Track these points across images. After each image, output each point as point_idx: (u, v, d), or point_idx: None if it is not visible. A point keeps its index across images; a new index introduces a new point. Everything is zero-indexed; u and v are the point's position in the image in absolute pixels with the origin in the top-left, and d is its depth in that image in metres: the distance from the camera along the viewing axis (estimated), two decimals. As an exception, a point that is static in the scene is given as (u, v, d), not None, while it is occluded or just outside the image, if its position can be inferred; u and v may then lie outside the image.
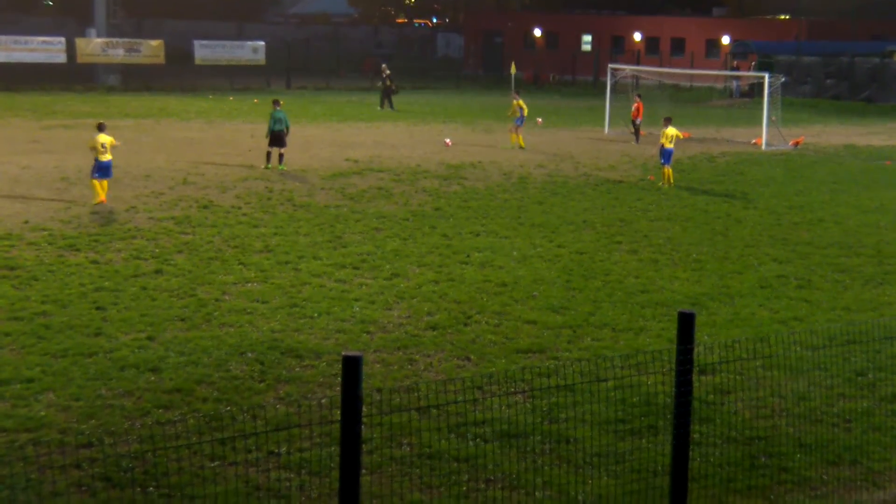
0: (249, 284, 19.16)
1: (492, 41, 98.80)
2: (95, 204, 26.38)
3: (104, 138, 26.85)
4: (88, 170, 27.48)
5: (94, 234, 22.98)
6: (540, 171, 35.19)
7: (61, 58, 70.01)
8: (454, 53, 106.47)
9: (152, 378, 13.87)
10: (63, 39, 70.51)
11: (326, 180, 31.88)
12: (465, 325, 16.95)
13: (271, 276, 19.81)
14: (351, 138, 43.53)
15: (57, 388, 13.30)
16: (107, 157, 26.71)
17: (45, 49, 69.57)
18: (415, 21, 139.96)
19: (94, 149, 26.77)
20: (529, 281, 19.93)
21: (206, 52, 74.87)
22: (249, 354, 14.99)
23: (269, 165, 33.87)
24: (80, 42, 70.33)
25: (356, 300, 18.24)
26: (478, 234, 24.32)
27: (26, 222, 23.91)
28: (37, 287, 18.40)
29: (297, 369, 14.49)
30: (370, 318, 17.12)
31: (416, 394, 13.66)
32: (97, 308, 17.19)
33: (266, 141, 34.49)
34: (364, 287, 19.22)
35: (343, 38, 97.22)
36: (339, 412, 12.65)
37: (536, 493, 10.56)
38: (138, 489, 10.39)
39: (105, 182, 26.74)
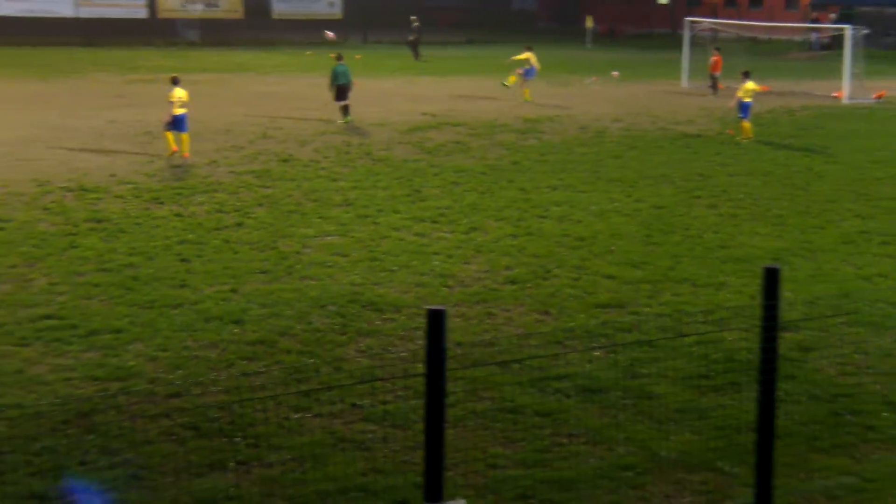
0: (329, 238, 19.32)
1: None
2: (168, 156, 26.74)
3: (179, 92, 27.11)
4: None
5: (177, 187, 23.28)
6: (617, 125, 35.00)
7: (142, 13, 70.66)
8: (528, 6, 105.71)
9: (236, 330, 14.07)
10: (145, -6, 71.07)
11: (404, 134, 31.95)
12: (544, 279, 16.98)
13: (351, 229, 19.96)
14: (427, 92, 43.53)
15: (145, 339, 13.55)
16: (180, 111, 26.96)
17: (127, 4, 70.20)
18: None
19: (171, 102, 27.08)
20: (608, 235, 19.91)
21: (283, 6, 75.13)
22: (330, 307, 15.14)
23: (349, 119, 33.98)
24: (160, -3, 70.86)
25: (435, 254, 18.34)
26: (555, 189, 24.29)
27: (112, 175, 24.26)
28: (124, 239, 18.71)
29: (378, 322, 14.63)
30: (449, 272, 17.21)
31: (496, 348, 13.81)
32: (181, 260, 17.46)
33: (331, 95, 34.60)
34: (442, 241, 19.30)
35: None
36: (419, 366, 12.77)
37: (618, 449, 10.62)
38: (225, 439, 10.58)
39: (184, 135, 27.02)
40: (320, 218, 20.81)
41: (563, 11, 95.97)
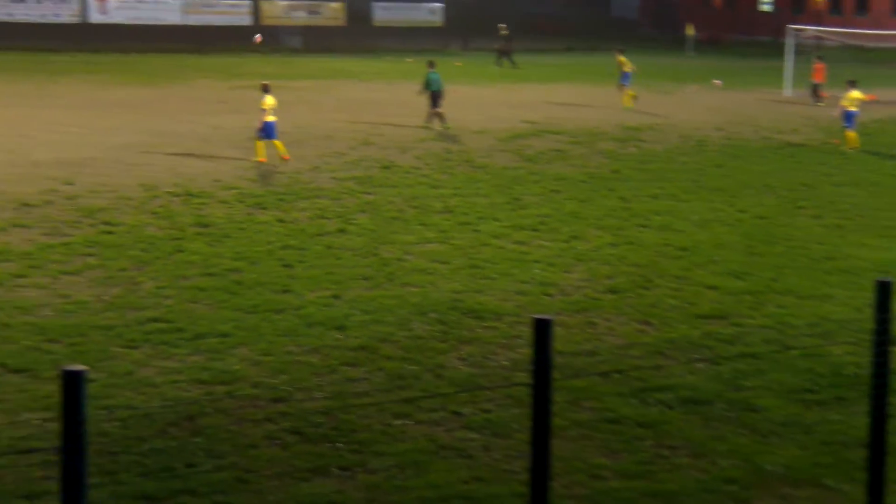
0: (430, 245, 19.42)
1: (669, 2, 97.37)
2: (257, 161, 27.03)
3: (270, 100, 27.49)
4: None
5: (279, 193, 23.56)
6: (718, 134, 34.71)
7: (246, 20, 71.64)
8: (629, 14, 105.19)
9: (338, 335, 14.20)
10: (249, 2, 72.12)
11: (503, 142, 32.00)
12: (645, 289, 16.90)
13: (451, 236, 20.04)
14: (527, 99, 43.51)
15: (249, 343, 13.73)
16: (271, 118, 27.30)
17: (232, 11, 71.29)
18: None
19: (263, 110, 27.42)
20: (710, 245, 19.75)
21: (384, 13, 75.68)
22: (431, 314, 15.21)
23: (448, 125, 34.13)
24: (264, 4, 71.88)
25: (535, 262, 18.34)
26: (656, 198, 24.16)
27: (217, 181, 24.63)
28: (228, 244, 18.97)
29: (479, 330, 14.66)
30: (549, 281, 17.21)
31: (597, 358, 13.78)
32: (284, 265, 17.66)
33: (426, 102, 34.86)
34: (543, 249, 19.30)
35: (517, 0, 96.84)
36: (521, 374, 12.83)
37: (721, 462, 10.54)
38: (328, 444, 10.69)
39: (277, 142, 27.38)
40: (421, 225, 20.92)
41: (663, 19, 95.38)
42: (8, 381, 12.23)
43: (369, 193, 23.84)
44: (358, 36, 70.82)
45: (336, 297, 15.96)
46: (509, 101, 42.52)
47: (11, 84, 41.80)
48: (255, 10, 71.93)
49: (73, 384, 5.36)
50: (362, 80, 50.42)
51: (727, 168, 28.43)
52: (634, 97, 41.44)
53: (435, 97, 34.63)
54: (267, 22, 71.71)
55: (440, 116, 34.30)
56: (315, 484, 9.94)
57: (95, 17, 70.46)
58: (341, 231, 20.23)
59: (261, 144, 27.42)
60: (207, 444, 10.57)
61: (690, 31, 74.93)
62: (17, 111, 36.21)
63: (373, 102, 40.98)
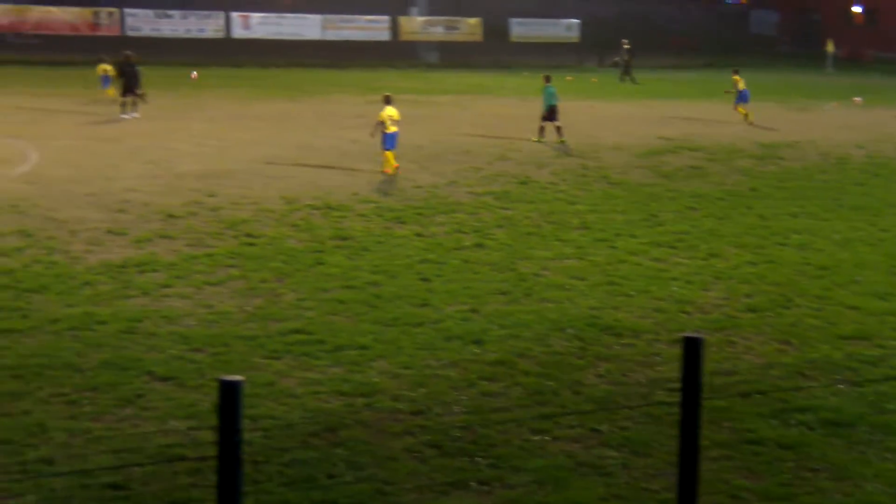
0: (567, 260, 19.41)
1: (809, 18, 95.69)
2: (384, 173, 27.58)
3: (391, 111, 27.97)
4: (409, 144, 28.44)
5: (417, 207, 23.76)
6: (859, 152, 34.06)
7: (385, 35, 72.47)
8: (768, 31, 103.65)
9: (476, 350, 14.28)
10: (387, 18, 72.91)
11: (640, 158, 31.83)
12: (785, 308, 16.68)
13: (588, 252, 20.00)
14: (663, 115, 43.19)
15: (388, 356, 13.88)
16: (393, 129, 27.79)
17: (371, 27, 72.18)
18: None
19: (381, 122, 27.91)
20: (851, 265, 19.41)
21: (521, 29, 75.83)
22: (569, 330, 15.21)
23: (542, 139, 34.53)
24: (402, 20, 72.57)
25: (673, 279, 18.22)
26: (795, 216, 23.82)
27: (355, 194, 24.94)
28: (367, 257, 19.20)
29: (616, 347, 14.62)
30: (687, 298, 17.08)
31: (736, 377, 13.63)
32: (423, 279, 17.81)
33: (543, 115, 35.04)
34: (680, 266, 19.16)
35: (654, 16, 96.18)
36: (659, 392, 12.78)
37: (866, 486, 10.35)
38: (467, 458, 10.76)
39: (391, 153, 27.89)
40: (558, 240, 20.93)
41: (803, 35, 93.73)
42: (155, 388, 12.55)
43: (506, 208, 23.92)
44: (495, 51, 71.04)
45: (474, 311, 16.05)
46: (645, 117, 42.25)
47: (157, 97, 42.76)
48: (394, 26, 72.67)
49: (229, 394, 5.52)
50: (499, 95, 50.59)
51: (868, 186, 27.89)
52: (746, 115, 41.01)
53: (551, 111, 34.80)
54: (405, 37, 72.39)
55: (558, 129, 34.39)
56: (454, 498, 10.01)
57: (238, 33, 71.93)
58: (479, 245, 20.33)
59: (389, 155, 27.91)
60: (348, 455, 10.72)
61: (830, 47, 73.62)
62: (162, 124, 37.11)
63: (509, 118, 41.06)
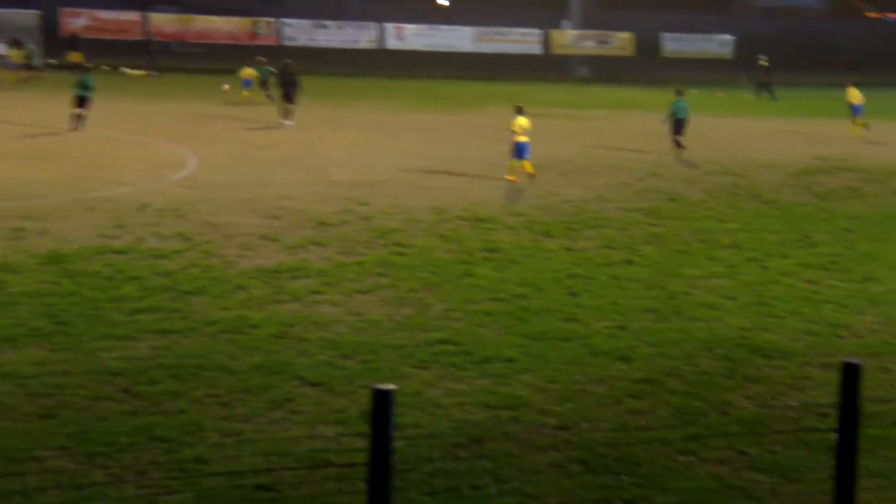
0: (717, 279, 19.17)
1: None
2: (510, 180, 28.35)
3: (522, 121, 28.61)
4: (558, 157, 28.44)
5: (566, 221, 23.72)
6: None
7: (536, 49, 72.64)
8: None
9: (623, 367, 14.19)
10: (539, 31, 73.06)
11: (793, 177, 31.32)
12: (945, 335, 16.23)
13: (738, 272, 19.73)
14: (820, 134, 42.41)
15: (534, 370, 13.87)
16: (522, 139, 28.44)
17: (523, 40, 72.44)
18: (887, 15, 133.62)
19: (512, 131, 28.55)
20: None
21: (673, 44, 75.27)
22: (718, 350, 15.01)
23: (682, 149, 34.96)
24: (554, 34, 72.65)
25: (826, 302, 17.85)
26: (960, 241, 23.17)
27: (504, 206, 25.02)
28: (515, 270, 19.23)
29: (766, 369, 14.38)
30: (841, 322, 16.72)
31: (892, 404, 13.30)
32: (570, 294, 17.75)
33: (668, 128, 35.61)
34: (834, 289, 18.76)
35: (810, 33, 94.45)
36: (809, 418, 12.54)
37: None
38: (612, 475, 10.69)
39: (525, 162, 28.48)
40: (708, 259, 20.68)
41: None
42: (305, 393, 12.75)
43: (656, 225, 23.73)
44: (646, 67, 70.65)
45: (621, 327, 15.95)
46: (799, 135, 41.54)
47: (311, 107, 43.57)
48: (545, 40, 72.72)
49: (382, 402, 5.60)
50: (650, 110, 50.21)
51: None
52: (865, 125, 40.49)
53: (678, 125, 35.02)
54: (556, 51, 72.42)
55: (678, 143, 34.75)
56: (598, 514, 9.97)
57: (392, 44, 72.86)
58: (627, 262, 20.21)
59: (515, 164, 28.55)
60: (493, 467, 10.74)
61: None
62: (316, 133, 37.77)
63: (659, 133, 40.64)
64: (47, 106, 42.65)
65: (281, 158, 31.33)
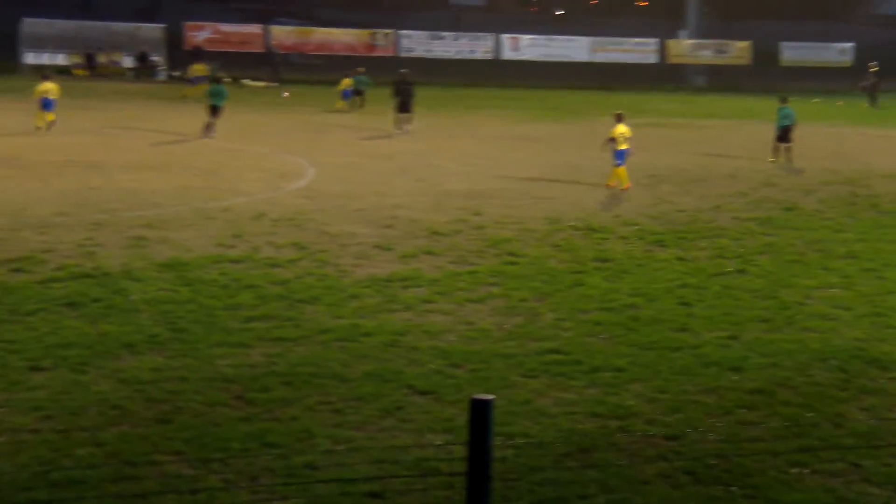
0: (832, 290, 18.90)
1: None
2: (622, 189, 28.48)
3: (622, 129, 28.95)
4: (673, 167, 28.22)
5: (680, 231, 23.56)
6: None
7: (652, 58, 72.26)
8: None
9: (734, 377, 14.07)
10: (656, 41, 72.71)
11: (916, 187, 30.74)
12: None
13: (854, 282, 19.43)
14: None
15: (644, 379, 13.83)
16: (623, 146, 28.74)
17: (639, 50, 72.13)
18: None
19: (613, 139, 28.88)
20: None
21: (792, 53, 74.27)
22: (832, 361, 14.80)
23: (775, 160, 34.75)
24: (670, 43, 72.20)
25: (947, 314, 17.50)
26: None
27: (617, 217, 24.94)
28: (626, 280, 19.18)
29: (882, 381, 14.15)
30: (962, 335, 16.38)
31: None
32: (682, 304, 17.65)
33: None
34: (955, 302, 18.38)
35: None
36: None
37: None
38: (721, 487, 10.63)
39: (622, 170, 28.83)
40: (823, 269, 20.39)
41: None
42: (414, 402, 12.87)
43: (770, 235, 23.47)
44: (764, 75, 69.73)
45: (733, 338, 15.82)
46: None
47: (426, 116, 43.87)
48: (661, 49, 72.29)
49: (480, 412, 5.67)
50: (767, 120, 49.54)
51: None
52: None
53: (784, 132, 35.07)
54: (673, 60, 71.95)
55: (776, 150, 34.90)
56: (706, 525, 9.93)
57: (507, 54, 73.04)
58: (741, 272, 20.02)
59: (618, 171, 28.79)
60: (600, 477, 10.75)
61: None
62: (432, 143, 38.04)
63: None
64: (168, 117, 43.61)
65: (396, 168, 31.62)
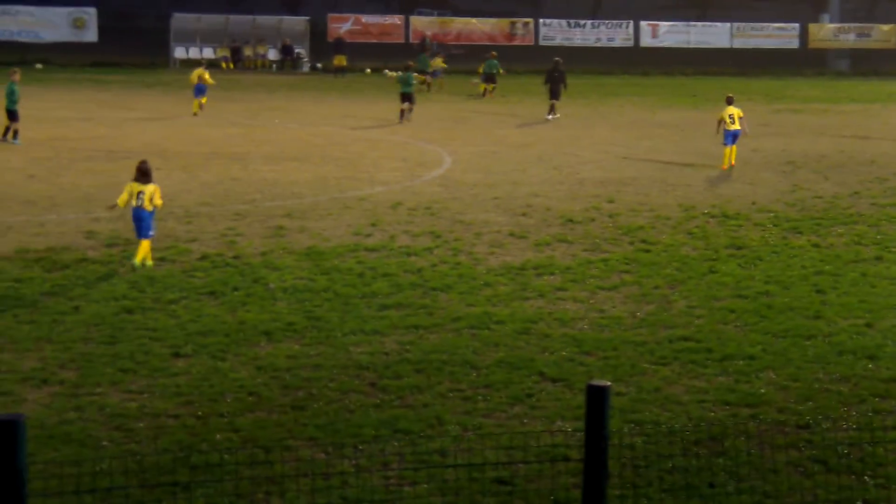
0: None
1: None
2: (723, 169, 29.06)
3: (731, 110, 29.60)
4: (811, 153, 27.74)
5: (816, 217, 23.24)
6: None
7: (794, 43, 71.07)
8: None
9: (869, 365, 13.89)
10: (797, 25, 71.51)
11: None
12: None
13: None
14: None
15: (776, 367, 13.74)
16: (735, 127, 29.37)
17: (780, 35, 71.00)
18: None
19: (721, 120, 29.68)
20: None
21: (941, 33, 72.21)
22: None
23: None
24: (812, 27, 70.90)
25: None
26: None
27: (753, 203, 24.68)
28: (761, 267, 19.01)
29: None
30: None
31: None
32: (817, 291, 17.45)
33: None
34: None
35: None
36: None
37: None
38: (853, 476, 10.53)
39: (731, 149, 29.45)
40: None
41: None
42: (545, 388, 12.99)
43: (914, 220, 23.02)
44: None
45: (869, 325, 15.60)
46: None
47: (565, 105, 43.84)
48: (803, 34, 71.00)
49: (597, 398, 5.79)
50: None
51: None
52: None
53: None
54: (814, 45, 70.67)
55: None
56: (838, 515, 9.86)
57: (646, 42, 72.52)
58: (878, 259, 19.69)
59: (727, 151, 29.42)
60: (730, 465, 10.73)
61: None
62: (569, 131, 38.05)
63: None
64: (311, 109, 44.32)
65: (533, 157, 31.72)
